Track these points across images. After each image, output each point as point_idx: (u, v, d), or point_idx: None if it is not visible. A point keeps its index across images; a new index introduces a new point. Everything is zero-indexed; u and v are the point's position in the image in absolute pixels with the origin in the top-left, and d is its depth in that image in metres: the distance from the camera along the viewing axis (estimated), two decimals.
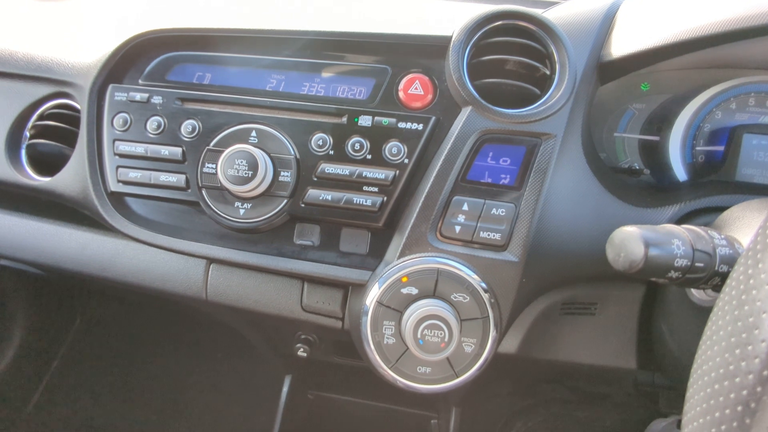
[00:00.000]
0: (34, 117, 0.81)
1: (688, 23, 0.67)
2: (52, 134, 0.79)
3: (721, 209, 0.62)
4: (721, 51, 0.73)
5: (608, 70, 0.73)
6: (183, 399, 1.51)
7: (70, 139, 0.77)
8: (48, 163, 0.79)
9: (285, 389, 1.13)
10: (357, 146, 0.68)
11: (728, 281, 0.32)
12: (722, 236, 0.46)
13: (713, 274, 0.45)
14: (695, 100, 0.82)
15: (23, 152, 0.81)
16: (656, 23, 0.71)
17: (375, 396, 1.21)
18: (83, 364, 1.58)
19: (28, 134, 0.81)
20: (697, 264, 0.44)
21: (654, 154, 0.83)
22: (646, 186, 0.81)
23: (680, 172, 0.82)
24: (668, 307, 0.66)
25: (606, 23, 0.74)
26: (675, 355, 0.64)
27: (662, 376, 0.81)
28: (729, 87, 0.81)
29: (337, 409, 1.21)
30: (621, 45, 0.71)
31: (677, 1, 0.76)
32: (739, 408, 0.28)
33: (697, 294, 0.57)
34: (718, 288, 0.48)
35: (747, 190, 0.73)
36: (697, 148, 0.83)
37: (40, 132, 0.80)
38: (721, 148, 0.82)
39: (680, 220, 0.67)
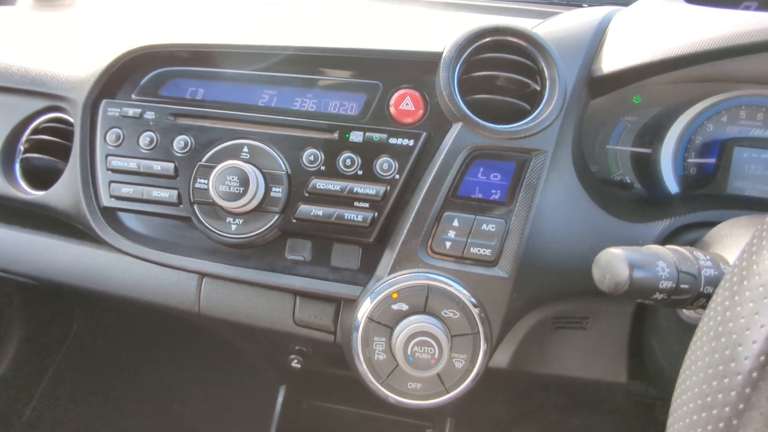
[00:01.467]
0: (29, 131, 0.81)
1: (679, 40, 0.67)
2: (46, 148, 0.79)
3: (712, 224, 0.62)
4: (712, 66, 0.73)
5: (599, 85, 0.73)
6: (178, 409, 1.51)
7: (64, 154, 0.77)
8: (42, 177, 0.79)
9: (280, 399, 1.13)
10: (348, 162, 0.68)
11: (713, 297, 0.32)
12: (707, 257, 0.47)
13: (698, 295, 0.45)
14: (687, 113, 0.82)
15: (17, 166, 0.81)
16: (647, 39, 0.72)
17: (370, 406, 1.21)
18: (78, 373, 1.58)
19: (22, 148, 0.81)
20: (682, 286, 0.44)
21: (646, 166, 0.84)
22: (637, 199, 0.82)
23: (672, 185, 0.82)
24: (658, 323, 0.66)
25: (597, 38, 0.74)
26: (665, 370, 0.65)
27: (652, 389, 0.82)
28: (720, 100, 0.82)
29: (332, 418, 1.21)
30: (611, 60, 0.71)
31: (668, 17, 0.77)
32: (721, 425, 0.28)
33: (685, 311, 0.57)
34: (704, 308, 0.48)
35: (738, 204, 0.74)
36: (689, 161, 0.83)
37: (34, 146, 0.80)
38: (712, 160, 0.82)
39: (670, 235, 0.68)
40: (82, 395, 1.54)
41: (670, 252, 0.46)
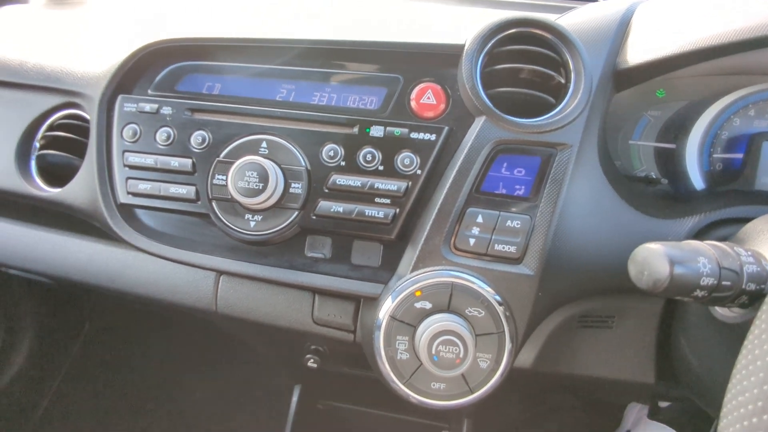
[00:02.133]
0: (44, 127, 0.81)
1: (709, 30, 0.65)
2: (62, 145, 0.78)
3: (742, 220, 0.60)
4: (741, 58, 0.71)
5: (624, 78, 0.71)
6: (192, 408, 1.51)
7: (80, 150, 0.76)
8: (57, 174, 0.78)
9: (294, 399, 1.12)
10: (369, 157, 0.66)
11: (764, 306, 0.30)
12: (749, 253, 0.45)
13: (740, 293, 0.43)
14: (713, 107, 0.80)
15: (33, 163, 0.80)
16: (673, 30, 0.70)
17: (385, 406, 1.20)
18: (91, 371, 1.58)
19: (38, 145, 0.81)
20: (724, 282, 0.43)
21: (670, 162, 0.82)
22: (663, 195, 0.80)
23: (697, 181, 0.80)
24: (688, 321, 0.64)
25: (621, 29, 0.72)
26: (696, 371, 0.63)
27: (678, 388, 0.80)
28: (748, 93, 0.80)
29: (347, 419, 1.20)
30: (637, 52, 0.70)
31: (694, 6, 0.75)
32: None
33: (719, 308, 0.55)
34: (744, 305, 0.46)
35: (767, 200, 0.72)
36: (715, 156, 0.81)
37: (49, 143, 0.80)
38: (739, 155, 0.80)
39: (700, 232, 0.66)
40: (96, 392, 1.54)
41: (710, 248, 0.44)
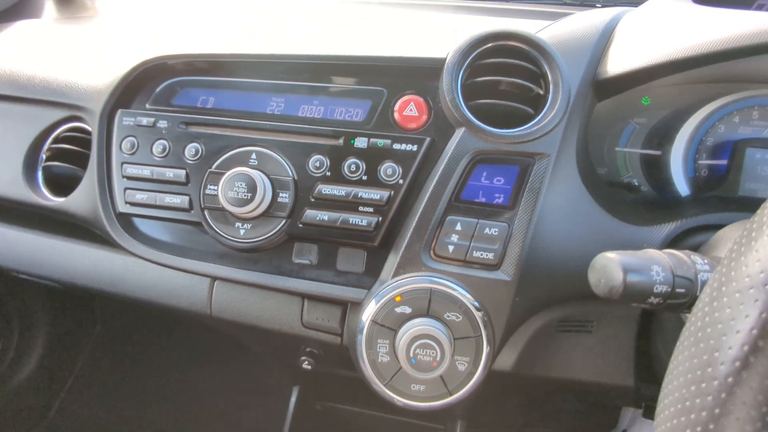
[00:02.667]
0: (50, 140, 0.85)
1: (686, 41, 0.67)
2: (67, 156, 0.83)
3: (719, 227, 0.62)
4: (722, 67, 0.72)
5: (604, 88, 0.73)
6: (196, 408, 1.54)
7: (84, 162, 0.80)
8: (62, 185, 0.82)
9: (293, 400, 1.15)
10: (353, 167, 0.69)
11: (697, 301, 0.32)
12: (705, 261, 0.46)
13: (695, 300, 0.45)
14: (697, 114, 0.81)
15: (39, 174, 0.85)
16: (653, 40, 0.71)
17: (383, 408, 1.22)
18: (102, 371, 1.63)
19: (44, 156, 0.85)
20: (678, 290, 0.44)
21: (656, 168, 0.83)
22: (645, 202, 0.81)
23: (682, 187, 0.82)
24: (664, 326, 0.66)
25: (603, 40, 0.74)
26: None
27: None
28: (732, 101, 0.81)
29: (345, 420, 1.23)
30: (616, 63, 0.71)
31: (676, 18, 0.76)
32: (699, 429, 0.28)
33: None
34: None
35: (750, 206, 0.72)
36: (700, 162, 0.82)
37: (55, 154, 0.84)
38: (724, 161, 0.81)
39: (677, 238, 0.67)
40: (106, 393, 1.59)
41: (666, 256, 0.46)
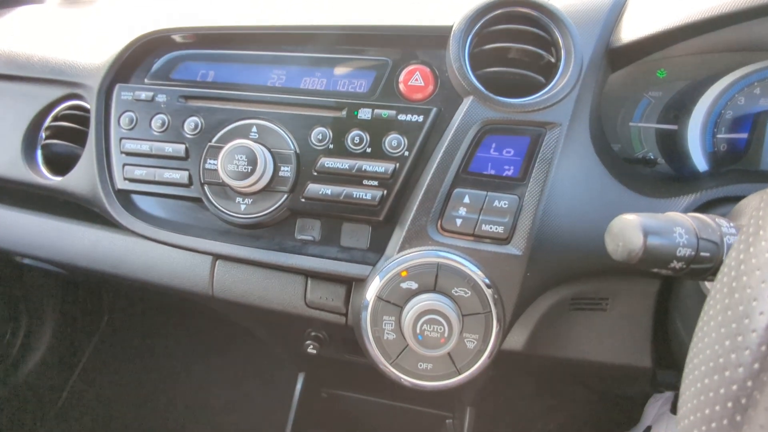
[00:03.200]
0: (49, 118, 0.83)
1: (703, 3, 0.63)
2: (66, 135, 0.81)
3: (741, 199, 0.58)
4: (743, 32, 0.69)
5: (618, 57, 0.70)
6: (203, 395, 1.54)
7: (83, 140, 0.79)
8: (62, 163, 0.81)
9: (298, 387, 1.13)
10: (357, 140, 0.67)
11: (722, 268, 0.29)
12: (731, 224, 0.43)
13: (720, 265, 0.42)
14: (716, 86, 0.78)
15: (38, 153, 0.83)
16: (669, 5, 0.68)
17: (390, 395, 1.20)
18: (109, 362, 1.63)
19: (43, 135, 0.84)
20: (702, 254, 0.41)
21: (672, 143, 0.80)
22: (662, 176, 0.78)
23: (700, 162, 0.78)
24: (684, 303, 0.63)
25: (616, 8, 0.71)
26: None
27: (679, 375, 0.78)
28: (753, 71, 0.77)
29: (351, 407, 1.21)
30: (631, 30, 0.68)
31: None
32: (730, 404, 0.26)
33: (710, 287, 0.54)
34: None
35: None
36: (719, 136, 0.79)
37: (54, 133, 0.82)
38: (744, 135, 0.77)
39: (696, 211, 0.64)
40: (115, 381, 1.59)
41: (689, 219, 0.43)
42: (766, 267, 0.25)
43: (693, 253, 0.41)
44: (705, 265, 0.42)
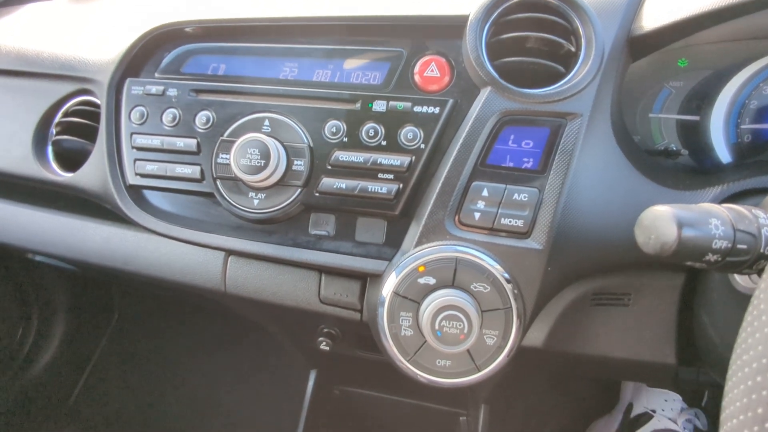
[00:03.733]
0: (60, 114, 0.83)
1: None
2: (77, 131, 0.80)
3: None
4: (767, 18, 0.67)
5: (640, 45, 0.68)
6: (214, 393, 1.53)
7: (93, 135, 0.78)
8: (72, 159, 0.80)
9: (310, 384, 1.12)
10: (371, 132, 0.65)
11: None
12: (767, 215, 0.42)
13: (759, 257, 0.40)
14: (739, 75, 0.76)
15: (49, 149, 0.83)
16: None
17: (403, 392, 1.19)
18: (121, 359, 1.63)
19: (54, 131, 0.83)
20: (739, 246, 0.40)
21: (694, 135, 0.78)
22: (684, 169, 0.76)
23: (724, 154, 0.76)
24: (710, 297, 0.61)
25: None
26: (718, 350, 0.59)
27: (706, 373, 0.76)
28: None
29: (363, 404, 1.20)
30: (653, 17, 0.66)
31: None
32: None
33: (741, 281, 0.52)
34: (763, 272, 0.43)
35: None
36: (743, 127, 0.76)
37: (65, 129, 0.82)
38: None
39: (723, 203, 0.62)
40: (125, 379, 1.59)
41: (725, 210, 0.41)
42: None
43: (730, 245, 0.39)
44: (742, 257, 0.40)
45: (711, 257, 0.40)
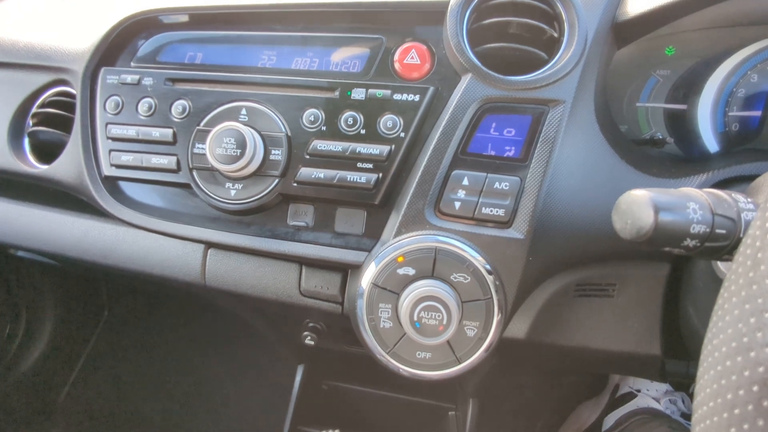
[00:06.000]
0: (36, 105, 0.81)
1: None
2: (53, 122, 0.79)
3: (755, 177, 0.55)
4: (753, 4, 0.66)
5: (625, 31, 0.67)
6: (203, 390, 1.53)
7: (70, 126, 0.76)
8: (49, 151, 0.78)
9: (298, 379, 1.11)
10: (350, 121, 0.64)
11: (744, 240, 0.26)
12: (748, 200, 0.40)
13: (738, 242, 0.39)
14: (727, 63, 0.74)
15: (25, 141, 0.81)
16: None
17: (392, 387, 1.18)
18: (110, 356, 1.62)
19: (30, 122, 0.81)
20: (717, 231, 0.38)
21: (681, 124, 0.76)
22: (671, 158, 0.75)
23: (711, 142, 0.75)
24: (695, 286, 0.60)
25: None
26: (703, 340, 0.58)
27: (695, 365, 0.75)
28: (766, 46, 0.73)
29: (352, 399, 1.19)
30: (637, 2, 0.65)
31: None
32: (755, 388, 0.23)
33: (724, 269, 0.51)
34: None
35: None
36: (730, 115, 0.75)
37: (41, 120, 0.80)
38: (757, 113, 0.74)
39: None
40: (114, 378, 1.58)
41: (703, 194, 0.40)
42: None
43: (708, 229, 0.38)
44: (721, 242, 0.39)
45: (689, 242, 0.38)
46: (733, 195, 0.41)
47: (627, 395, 1.22)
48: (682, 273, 0.62)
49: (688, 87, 0.76)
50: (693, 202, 0.39)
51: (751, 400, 0.23)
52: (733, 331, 0.25)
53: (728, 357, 0.25)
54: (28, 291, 1.50)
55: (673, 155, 0.76)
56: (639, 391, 1.22)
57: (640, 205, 0.39)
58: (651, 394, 1.21)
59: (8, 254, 1.16)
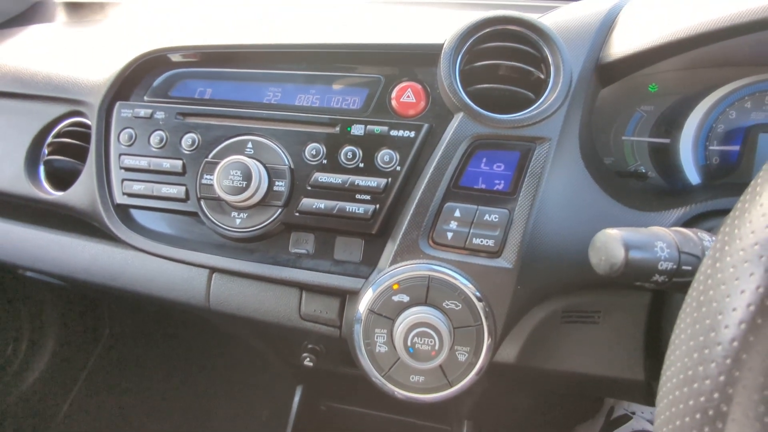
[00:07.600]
0: (52, 135, 0.85)
1: (688, 20, 0.65)
2: (68, 151, 0.83)
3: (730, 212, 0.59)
4: (731, 48, 0.70)
5: (608, 72, 0.71)
6: (204, 409, 1.54)
7: (84, 156, 0.80)
8: (63, 179, 0.82)
9: (296, 400, 1.13)
10: (350, 155, 0.68)
11: (693, 282, 0.30)
12: (713, 238, 0.44)
13: None
14: (707, 100, 0.79)
15: (41, 169, 0.85)
16: (655, 23, 0.69)
17: (388, 408, 1.20)
18: (111, 374, 1.64)
19: (46, 151, 0.85)
20: (684, 267, 0.42)
21: (665, 157, 0.81)
22: (654, 190, 0.79)
23: (693, 175, 0.79)
24: (675, 315, 0.63)
25: (605, 26, 0.72)
26: None
27: None
28: (743, 85, 0.78)
29: (349, 420, 1.20)
30: (619, 45, 0.69)
31: (679, 2, 0.74)
32: (698, 416, 0.26)
33: None
34: None
35: None
36: (711, 149, 0.79)
37: (56, 149, 0.84)
38: (736, 148, 0.78)
39: (687, 224, 0.65)
40: (115, 395, 1.60)
41: (671, 233, 0.44)
42: (731, 281, 0.26)
43: (674, 266, 0.42)
44: (688, 278, 0.42)
45: (658, 278, 0.42)
46: (699, 233, 0.45)
47: (622, 417, 1.24)
48: (663, 301, 0.66)
49: (670, 122, 0.80)
50: (661, 241, 0.42)
51: (695, 427, 0.26)
52: (682, 364, 0.28)
53: (678, 387, 0.28)
54: (31, 309, 1.53)
55: (657, 186, 0.80)
56: (634, 413, 1.24)
57: (613, 243, 0.42)
58: (646, 416, 1.23)
59: (11, 272, 1.19)
